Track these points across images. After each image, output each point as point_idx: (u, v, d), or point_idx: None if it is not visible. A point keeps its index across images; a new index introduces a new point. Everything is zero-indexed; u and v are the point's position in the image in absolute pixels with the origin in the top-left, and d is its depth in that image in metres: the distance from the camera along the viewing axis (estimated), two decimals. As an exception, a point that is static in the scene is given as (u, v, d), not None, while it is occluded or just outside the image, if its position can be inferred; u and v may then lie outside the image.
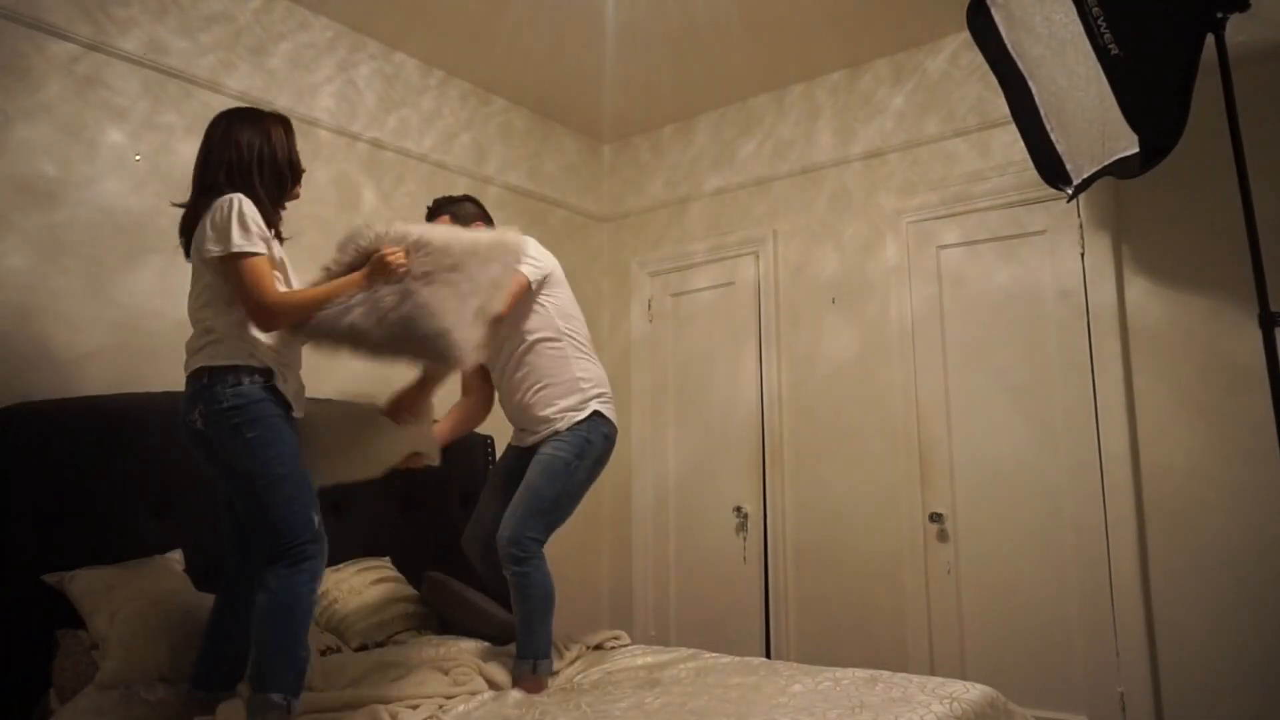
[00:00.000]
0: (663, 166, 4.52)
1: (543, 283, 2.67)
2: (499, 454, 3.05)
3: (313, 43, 3.38)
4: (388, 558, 3.13)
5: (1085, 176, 2.54)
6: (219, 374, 1.99)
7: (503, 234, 2.45)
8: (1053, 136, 2.60)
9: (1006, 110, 2.74)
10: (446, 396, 3.35)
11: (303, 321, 2.05)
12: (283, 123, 2.19)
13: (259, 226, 2.02)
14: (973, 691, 2.14)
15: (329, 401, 2.67)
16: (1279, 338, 2.03)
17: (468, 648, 2.66)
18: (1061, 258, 3.34)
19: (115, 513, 2.46)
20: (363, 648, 2.70)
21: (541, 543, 2.55)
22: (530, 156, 4.30)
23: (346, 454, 2.40)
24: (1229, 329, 2.98)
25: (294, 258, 2.21)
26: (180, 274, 2.26)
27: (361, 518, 3.13)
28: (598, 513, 4.46)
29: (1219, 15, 2.14)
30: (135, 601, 2.22)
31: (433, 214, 2.80)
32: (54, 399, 2.46)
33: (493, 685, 2.40)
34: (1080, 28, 2.37)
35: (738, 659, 2.67)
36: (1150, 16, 2.26)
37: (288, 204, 2.22)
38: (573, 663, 2.68)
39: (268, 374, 2.03)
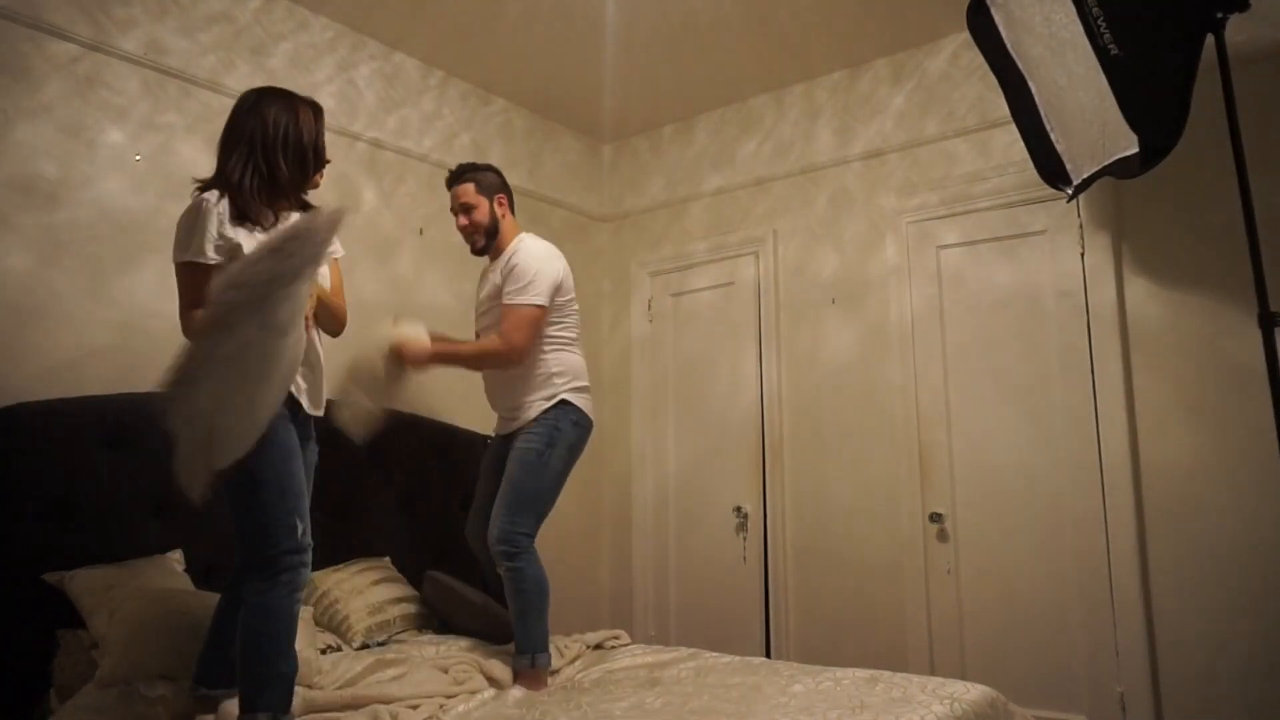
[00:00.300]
0: (663, 166, 4.52)
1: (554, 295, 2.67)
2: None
3: (313, 43, 3.38)
4: (388, 558, 3.13)
5: (1085, 177, 2.54)
6: None
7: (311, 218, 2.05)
8: (1053, 137, 2.60)
9: (1006, 110, 2.74)
10: (446, 395, 3.36)
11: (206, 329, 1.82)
12: (313, 107, 2.13)
13: (208, 231, 1.91)
14: (973, 692, 2.15)
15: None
16: (1279, 338, 2.03)
17: (468, 646, 2.67)
18: (1061, 258, 3.33)
19: (115, 513, 2.47)
20: (363, 647, 2.71)
21: (531, 537, 2.56)
22: (530, 156, 4.30)
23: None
24: (1229, 329, 2.98)
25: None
26: (180, 274, 2.25)
27: (361, 518, 3.14)
28: (598, 513, 4.46)
29: (1219, 15, 2.13)
30: (135, 600, 2.23)
31: (455, 179, 2.80)
32: (54, 399, 2.45)
33: (494, 682, 2.40)
34: (1080, 28, 2.37)
35: (738, 659, 2.67)
36: (1150, 16, 2.26)
37: (309, 192, 2.16)
38: (573, 662, 2.69)
39: None
